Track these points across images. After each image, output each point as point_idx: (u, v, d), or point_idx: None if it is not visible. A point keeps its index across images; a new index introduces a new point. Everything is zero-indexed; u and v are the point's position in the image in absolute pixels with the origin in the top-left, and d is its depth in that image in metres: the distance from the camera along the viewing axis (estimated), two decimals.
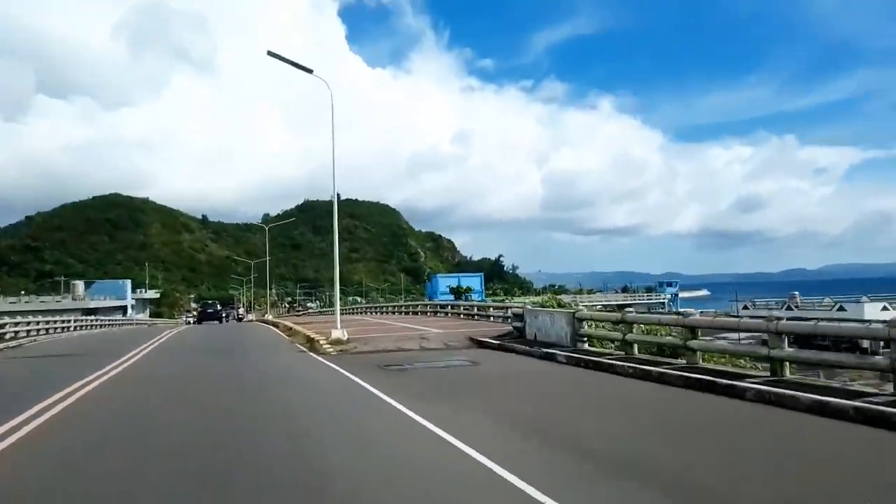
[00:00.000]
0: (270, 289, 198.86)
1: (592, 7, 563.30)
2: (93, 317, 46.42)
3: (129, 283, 79.64)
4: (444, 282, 77.67)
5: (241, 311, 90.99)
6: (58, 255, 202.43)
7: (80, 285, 72.20)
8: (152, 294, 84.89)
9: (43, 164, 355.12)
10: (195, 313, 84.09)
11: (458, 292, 73.23)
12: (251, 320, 74.17)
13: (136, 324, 54.76)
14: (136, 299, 74.99)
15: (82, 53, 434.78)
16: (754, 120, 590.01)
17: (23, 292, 72.57)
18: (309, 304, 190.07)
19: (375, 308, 64.81)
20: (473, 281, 78.69)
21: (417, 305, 52.43)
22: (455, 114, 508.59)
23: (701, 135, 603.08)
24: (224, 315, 74.99)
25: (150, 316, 77.53)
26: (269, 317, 65.98)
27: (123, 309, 71.07)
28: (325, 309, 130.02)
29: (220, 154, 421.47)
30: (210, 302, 76.52)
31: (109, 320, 48.94)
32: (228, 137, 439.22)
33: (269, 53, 21.15)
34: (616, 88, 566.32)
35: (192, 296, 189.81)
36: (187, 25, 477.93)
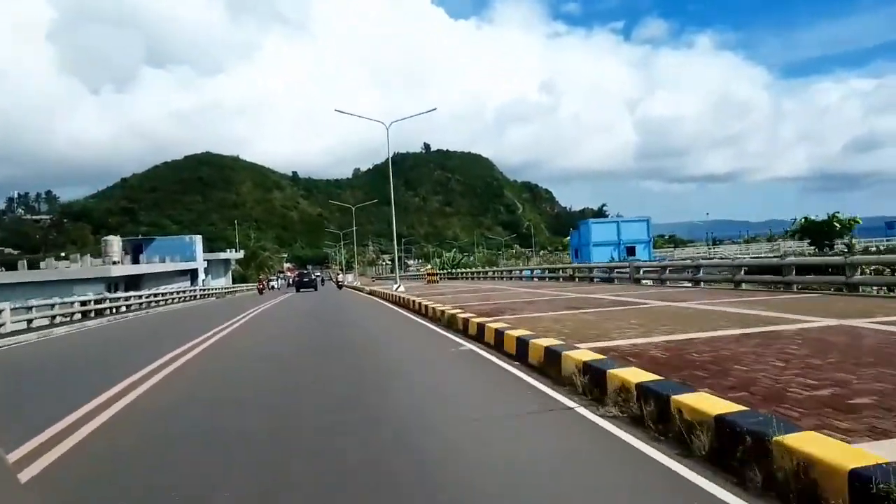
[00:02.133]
0: (365, 246, 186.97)
1: None
2: (118, 294, 29.34)
3: (198, 239, 60.40)
4: (601, 231, 59.07)
5: (339, 275, 76.22)
6: (153, 217, 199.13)
7: (114, 242, 50.33)
8: (232, 255, 72.50)
9: (142, 131, 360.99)
10: (282, 277, 71.44)
11: (631, 250, 55.18)
12: (350, 284, 59.67)
13: (199, 295, 39.74)
14: (211, 260, 61.54)
15: (180, 22, 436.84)
16: (870, 50, 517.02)
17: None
18: (408, 262, 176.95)
19: (500, 273, 48.08)
20: (637, 229, 59.77)
21: (564, 270, 34.99)
22: (542, 61, 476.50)
23: (809, 69, 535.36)
24: (320, 279, 64.57)
25: (232, 281, 64.99)
26: (359, 282, 51.05)
27: (191, 274, 55.87)
28: (423, 269, 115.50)
29: (308, 115, 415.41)
30: (307, 269, 68.06)
31: (152, 295, 32.73)
32: (317, 98, 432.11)
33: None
34: (714, 24, 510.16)
35: (285, 255, 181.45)
36: None
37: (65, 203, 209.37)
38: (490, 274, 49.95)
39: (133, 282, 44.30)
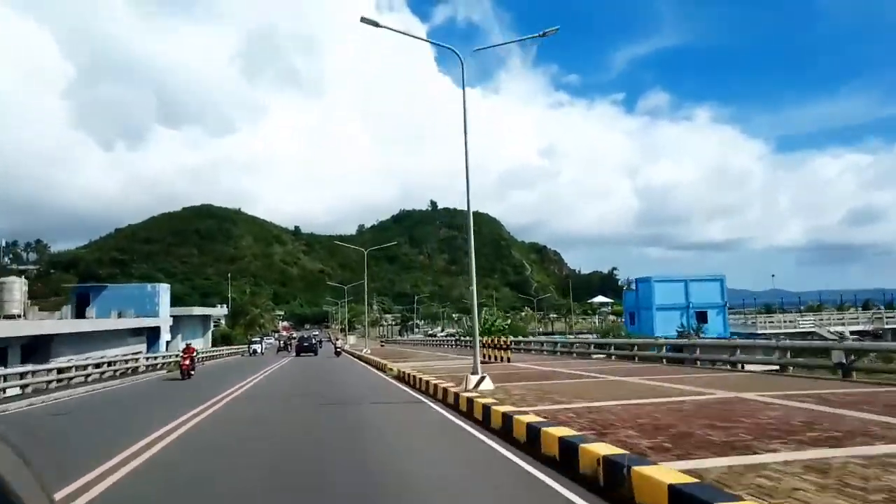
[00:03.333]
0: (369, 305, 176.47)
1: (676, 20, 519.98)
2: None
3: (163, 288, 48.52)
4: (666, 292, 48.82)
5: (338, 339, 65.57)
6: (145, 269, 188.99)
7: (16, 286, 34.22)
8: (213, 311, 60.20)
9: (144, 186, 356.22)
10: (277, 337, 61.17)
11: (702, 315, 44.93)
12: (349, 348, 50.40)
13: (145, 366, 30.42)
14: (182, 316, 49.56)
15: (193, 82, 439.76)
16: (862, 127, 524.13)
17: None
18: (418, 322, 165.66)
19: (553, 347, 37.61)
20: (709, 290, 49.51)
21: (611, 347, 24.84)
22: (544, 130, 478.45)
23: (804, 144, 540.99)
24: (318, 341, 56.20)
25: (212, 343, 53.92)
26: (367, 351, 40.93)
27: (149, 333, 44.07)
28: (432, 335, 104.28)
29: (312, 173, 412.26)
30: (307, 335, 58.27)
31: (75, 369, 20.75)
32: (323, 159, 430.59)
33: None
34: (709, 100, 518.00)
35: (280, 313, 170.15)
36: (283, 49, 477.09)
37: (54, 253, 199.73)
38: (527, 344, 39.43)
39: (40, 346, 30.62)
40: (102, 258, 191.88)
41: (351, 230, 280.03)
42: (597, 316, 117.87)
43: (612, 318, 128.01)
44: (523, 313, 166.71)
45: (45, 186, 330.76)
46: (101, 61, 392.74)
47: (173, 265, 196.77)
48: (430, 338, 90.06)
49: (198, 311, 57.60)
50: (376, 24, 15.97)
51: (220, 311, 64.19)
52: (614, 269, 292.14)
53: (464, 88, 15.94)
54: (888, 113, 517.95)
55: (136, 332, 41.23)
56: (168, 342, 45.15)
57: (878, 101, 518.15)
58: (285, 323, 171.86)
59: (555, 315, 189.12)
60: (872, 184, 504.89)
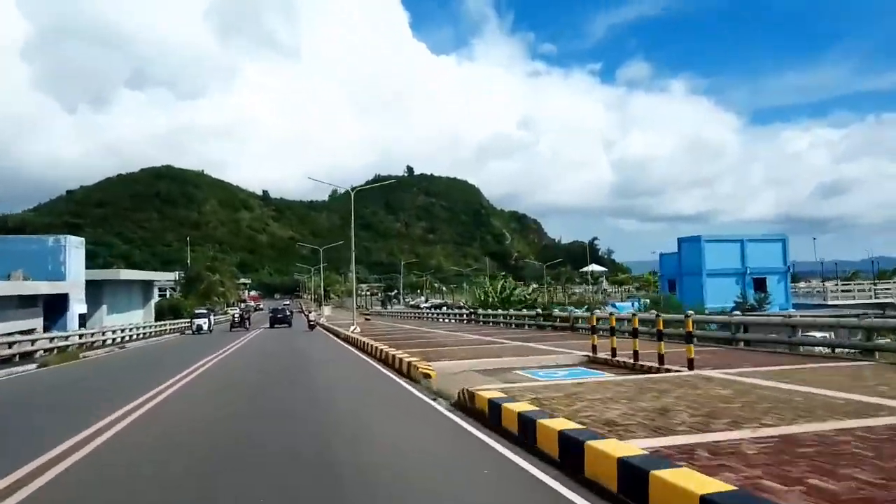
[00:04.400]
0: (344, 273, 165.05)
1: None
2: None
3: (73, 243, 36.06)
4: (718, 253, 39.42)
5: (311, 311, 56.05)
6: (99, 234, 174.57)
7: None
8: (155, 275, 48.18)
9: (103, 147, 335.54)
10: (245, 309, 50.37)
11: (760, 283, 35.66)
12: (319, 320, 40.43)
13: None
14: (107, 281, 37.29)
15: (162, 41, 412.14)
16: (832, 100, 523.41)
17: None
18: (390, 294, 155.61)
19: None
20: (768, 253, 40.13)
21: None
22: (521, 99, 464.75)
23: (775, 116, 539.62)
24: (290, 313, 50.91)
25: (156, 317, 42.42)
26: (356, 329, 30.77)
27: (49, 304, 31.60)
28: (417, 307, 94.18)
29: (283, 139, 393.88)
30: (280, 307, 53.95)
31: None
32: (297, 125, 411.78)
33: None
34: (686, 70, 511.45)
35: (246, 282, 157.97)
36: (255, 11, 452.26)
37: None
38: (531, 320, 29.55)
39: None
40: (53, 222, 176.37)
41: (323, 196, 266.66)
42: (595, 285, 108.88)
43: (606, 288, 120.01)
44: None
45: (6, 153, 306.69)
46: (63, 21, 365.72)
47: (131, 230, 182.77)
48: (412, 309, 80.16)
49: (131, 275, 44.05)
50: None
51: (166, 276, 52.27)
52: (595, 238, 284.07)
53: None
54: (860, 87, 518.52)
55: (27, 302, 30.37)
56: (83, 315, 34.37)
57: (850, 74, 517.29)
58: (253, 292, 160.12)
59: (535, 285, 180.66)
60: (842, 157, 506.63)
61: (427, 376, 11.39)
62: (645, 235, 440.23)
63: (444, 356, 15.24)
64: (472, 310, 34.81)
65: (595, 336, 14.33)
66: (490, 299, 39.00)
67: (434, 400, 9.57)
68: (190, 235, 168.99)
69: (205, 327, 37.75)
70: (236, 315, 40.65)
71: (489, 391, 8.17)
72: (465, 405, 8.42)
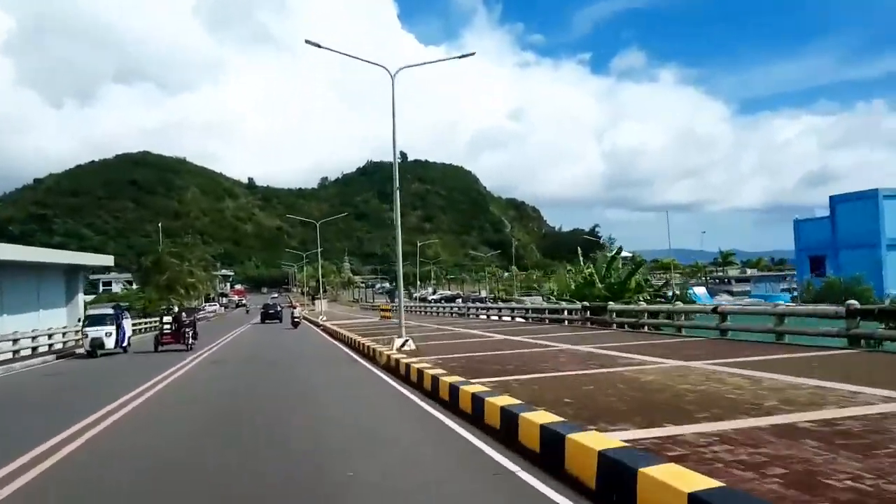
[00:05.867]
0: (337, 264, 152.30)
1: None
2: None
3: None
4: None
5: (295, 305, 48.87)
6: (70, 225, 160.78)
7: None
8: (87, 258, 34.09)
9: (77, 135, 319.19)
10: (230, 302, 38.54)
11: None
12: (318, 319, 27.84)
13: None
14: (20, 265, 23.71)
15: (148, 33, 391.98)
16: (816, 90, 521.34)
17: None
18: (380, 285, 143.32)
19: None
20: None
21: None
22: (512, 90, 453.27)
23: (762, 105, 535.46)
24: (279, 308, 49.11)
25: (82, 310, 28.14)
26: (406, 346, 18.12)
27: None
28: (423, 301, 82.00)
29: (270, 129, 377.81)
30: (271, 302, 52.05)
31: None
32: (287, 116, 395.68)
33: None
34: (674, 60, 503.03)
35: (228, 273, 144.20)
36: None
37: None
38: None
39: None
40: (16, 215, 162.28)
41: (313, 184, 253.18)
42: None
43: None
44: (507, 273, 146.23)
45: None
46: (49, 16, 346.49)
47: (105, 220, 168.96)
48: (421, 303, 67.77)
49: (40, 255, 28.62)
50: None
51: (101, 259, 37.13)
52: (596, 226, 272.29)
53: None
54: (845, 76, 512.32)
55: None
56: None
57: (836, 63, 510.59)
58: (238, 286, 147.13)
59: (539, 273, 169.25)
60: (829, 145, 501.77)
61: None
62: (636, 225, 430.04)
63: None
64: (584, 306, 21.74)
65: None
66: (590, 289, 25.48)
67: None
68: (169, 226, 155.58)
69: (109, 343, 21.19)
70: (167, 322, 22.18)
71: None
72: None
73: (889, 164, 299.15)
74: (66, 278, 29.95)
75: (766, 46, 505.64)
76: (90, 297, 32.14)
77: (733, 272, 65.26)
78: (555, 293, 28.44)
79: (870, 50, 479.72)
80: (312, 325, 39.44)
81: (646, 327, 19.35)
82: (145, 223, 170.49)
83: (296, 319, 38.73)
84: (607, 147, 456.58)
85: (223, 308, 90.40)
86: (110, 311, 22.48)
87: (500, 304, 43.09)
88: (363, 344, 17.57)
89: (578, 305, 22.25)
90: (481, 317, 36.29)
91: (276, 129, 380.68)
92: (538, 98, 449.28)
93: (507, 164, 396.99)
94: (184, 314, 23.34)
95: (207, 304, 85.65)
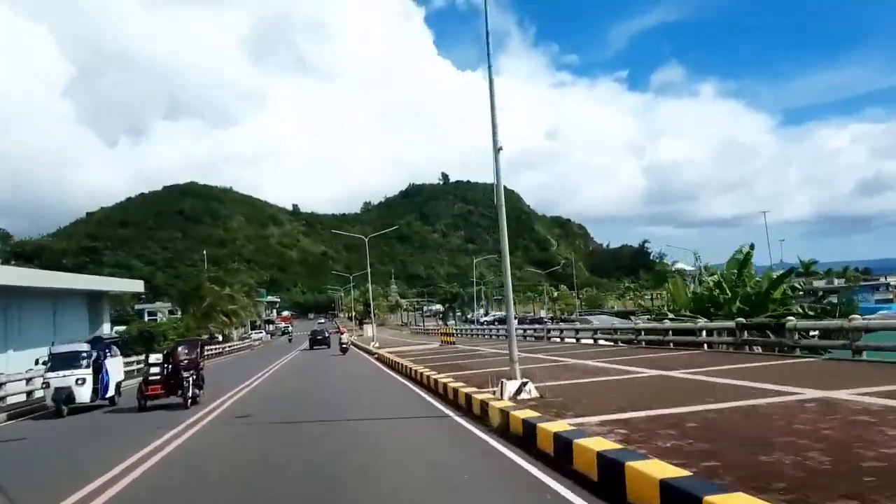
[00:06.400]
0: (384, 288, 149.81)
1: None
2: None
3: None
4: None
5: (343, 331, 48.39)
6: (120, 257, 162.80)
7: None
8: (110, 283, 30.44)
9: (129, 170, 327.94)
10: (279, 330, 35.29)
11: None
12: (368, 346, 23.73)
13: None
14: (34, 291, 19.86)
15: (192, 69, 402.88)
16: (862, 97, 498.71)
17: None
18: (430, 308, 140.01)
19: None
20: None
21: None
22: (549, 110, 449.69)
23: (807, 116, 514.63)
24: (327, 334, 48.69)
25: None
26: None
27: None
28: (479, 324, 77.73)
29: (313, 158, 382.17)
30: (319, 328, 51.83)
31: None
32: (327, 143, 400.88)
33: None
34: (714, 74, 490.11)
35: (275, 300, 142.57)
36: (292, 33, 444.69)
37: (16, 242, 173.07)
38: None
39: None
40: (69, 248, 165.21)
41: (355, 209, 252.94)
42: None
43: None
44: (557, 293, 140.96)
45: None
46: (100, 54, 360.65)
47: (153, 251, 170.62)
48: (469, 325, 63.68)
49: (55, 280, 24.35)
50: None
51: (129, 284, 33.21)
52: (646, 241, 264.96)
53: None
54: (891, 82, 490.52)
55: None
56: None
57: (880, 69, 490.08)
58: (285, 312, 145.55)
59: (587, 291, 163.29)
60: (880, 153, 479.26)
61: None
62: (683, 240, 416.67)
63: None
64: (741, 323, 16.70)
65: None
66: (716, 298, 20.77)
67: None
68: (215, 253, 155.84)
69: (83, 394, 15.50)
70: (154, 363, 15.25)
71: None
72: None
73: None
74: (89, 306, 27.04)
75: (806, 55, 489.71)
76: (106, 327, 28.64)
77: (818, 283, 59.29)
78: (669, 308, 23.81)
79: None
80: (363, 353, 35.84)
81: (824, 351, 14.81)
82: (192, 252, 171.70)
83: (343, 346, 36.75)
84: (647, 163, 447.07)
85: (269, 336, 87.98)
86: (85, 347, 16.37)
87: (581, 325, 38.57)
88: (440, 383, 13.62)
89: (730, 323, 17.47)
90: (554, 340, 31.99)
91: (317, 155, 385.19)
92: (575, 116, 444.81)
93: (547, 183, 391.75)
94: (181, 349, 15.56)
95: (254, 331, 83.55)
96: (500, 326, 53.33)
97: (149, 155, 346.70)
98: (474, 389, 11.41)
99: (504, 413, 8.78)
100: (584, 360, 17.00)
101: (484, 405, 9.96)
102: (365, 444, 8.81)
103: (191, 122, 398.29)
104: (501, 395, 10.39)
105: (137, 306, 76.84)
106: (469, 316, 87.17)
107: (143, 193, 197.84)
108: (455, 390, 11.97)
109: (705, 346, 18.46)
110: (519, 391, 10.36)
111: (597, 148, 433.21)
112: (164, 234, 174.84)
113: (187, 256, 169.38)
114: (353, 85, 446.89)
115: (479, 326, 58.81)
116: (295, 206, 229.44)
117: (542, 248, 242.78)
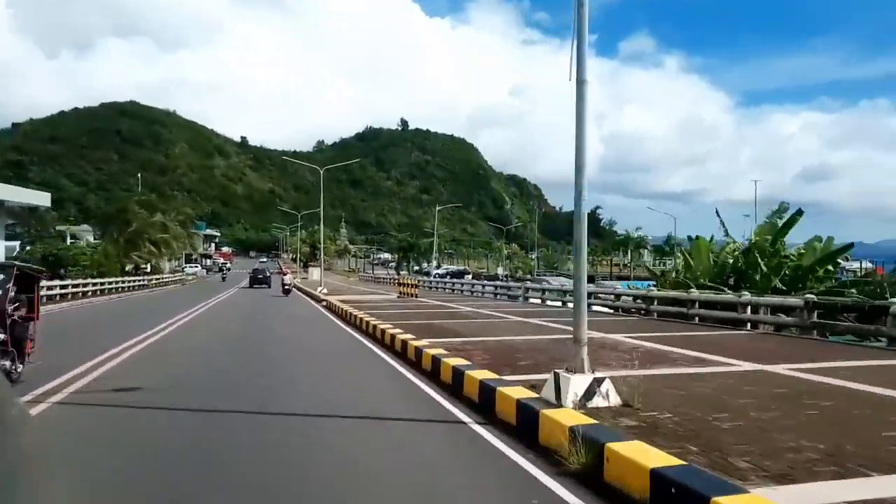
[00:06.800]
0: (333, 232, 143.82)
1: None
2: None
3: None
4: None
5: (286, 272, 47.59)
6: (48, 174, 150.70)
7: None
8: (16, 193, 25.09)
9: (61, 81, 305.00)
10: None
11: None
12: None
13: None
14: None
15: None
16: (816, 87, 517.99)
17: None
18: (379, 257, 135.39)
19: None
20: None
21: None
22: (515, 67, 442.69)
23: (764, 99, 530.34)
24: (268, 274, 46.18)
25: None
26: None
27: None
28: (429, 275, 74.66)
29: (266, 90, 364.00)
30: (260, 267, 48.17)
31: None
32: (286, 82, 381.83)
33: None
34: (680, 48, 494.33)
35: (215, 234, 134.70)
36: None
37: None
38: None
39: None
40: None
41: (308, 147, 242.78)
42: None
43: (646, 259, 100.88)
44: (508, 251, 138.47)
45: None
46: None
47: (86, 171, 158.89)
48: (426, 277, 59.67)
49: None
50: None
51: (30, 195, 26.83)
52: (598, 207, 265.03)
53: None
54: (847, 74, 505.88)
55: None
56: None
57: (838, 61, 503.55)
58: (225, 249, 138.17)
59: (541, 251, 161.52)
60: (828, 143, 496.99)
61: None
62: (630, 212, 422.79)
63: None
64: (810, 301, 12.50)
65: None
66: (749, 265, 17.04)
67: None
68: (154, 180, 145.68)
69: None
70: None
71: None
72: None
73: (888, 162, 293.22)
74: None
75: (770, 40, 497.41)
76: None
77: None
78: (685, 276, 19.96)
79: (871, 49, 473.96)
80: (310, 300, 31.31)
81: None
82: (129, 176, 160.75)
83: (286, 287, 34.09)
84: (608, 131, 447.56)
85: (206, 271, 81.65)
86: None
87: (488, 282, 34.93)
88: (444, 364, 9.23)
89: (796, 300, 13.57)
90: (533, 301, 28.19)
91: (273, 90, 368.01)
92: (541, 77, 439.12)
93: (507, 140, 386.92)
94: None
95: (188, 265, 77.13)
96: (460, 281, 49.62)
97: (92, 71, 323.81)
98: (499, 378, 7.10)
99: (594, 447, 4.51)
100: (611, 335, 12.96)
101: (529, 414, 5.68)
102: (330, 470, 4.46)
103: (141, 41, 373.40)
104: (558, 396, 6.19)
105: (59, 227, 69.39)
106: (424, 267, 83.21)
107: (77, 108, 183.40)
108: (484, 385, 6.96)
109: (748, 325, 14.73)
110: (590, 393, 6.16)
111: (559, 110, 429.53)
112: (98, 155, 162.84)
113: (123, 180, 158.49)
114: (319, 23, 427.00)
115: (433, 279, 54.96)
116: (243, 138, 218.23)
117: (497, 205, 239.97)
